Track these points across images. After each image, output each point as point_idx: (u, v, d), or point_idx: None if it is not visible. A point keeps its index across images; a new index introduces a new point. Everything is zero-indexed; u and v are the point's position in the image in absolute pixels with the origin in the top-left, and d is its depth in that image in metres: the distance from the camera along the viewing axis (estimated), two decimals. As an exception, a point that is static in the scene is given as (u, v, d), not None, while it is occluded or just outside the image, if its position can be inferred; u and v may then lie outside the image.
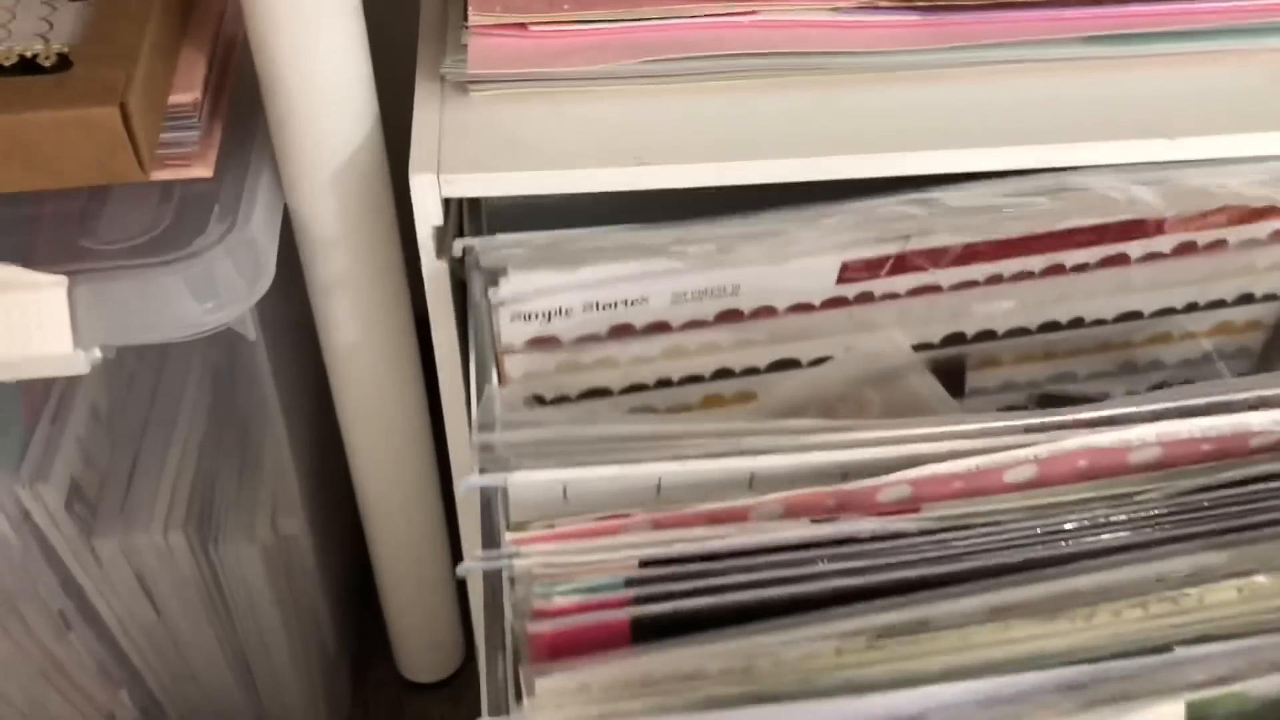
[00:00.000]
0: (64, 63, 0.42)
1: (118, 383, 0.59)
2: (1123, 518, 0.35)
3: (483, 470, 0.35)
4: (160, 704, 0.63)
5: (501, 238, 0.42)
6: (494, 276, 0.42)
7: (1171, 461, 0.37)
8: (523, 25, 0.44)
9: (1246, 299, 0.52)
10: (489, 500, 0.35)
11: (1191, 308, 0.51)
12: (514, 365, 0.45)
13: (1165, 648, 0.31)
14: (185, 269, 0.43)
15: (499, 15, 0.44)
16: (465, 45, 0.44)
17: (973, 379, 0.52)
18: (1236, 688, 0.30)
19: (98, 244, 0.43)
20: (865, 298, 0.46)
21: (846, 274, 0.45)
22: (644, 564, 0.33)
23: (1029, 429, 0.36)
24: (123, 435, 0.58)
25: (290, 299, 0.52)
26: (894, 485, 0.35)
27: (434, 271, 0.45)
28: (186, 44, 0.47)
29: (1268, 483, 0.36)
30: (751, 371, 0.48)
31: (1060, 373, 0.53)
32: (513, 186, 0.43)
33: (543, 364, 0.45)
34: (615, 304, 0.44)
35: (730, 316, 0.46)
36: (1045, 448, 0.35)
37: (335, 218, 0.47)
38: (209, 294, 0.43)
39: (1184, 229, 0.47)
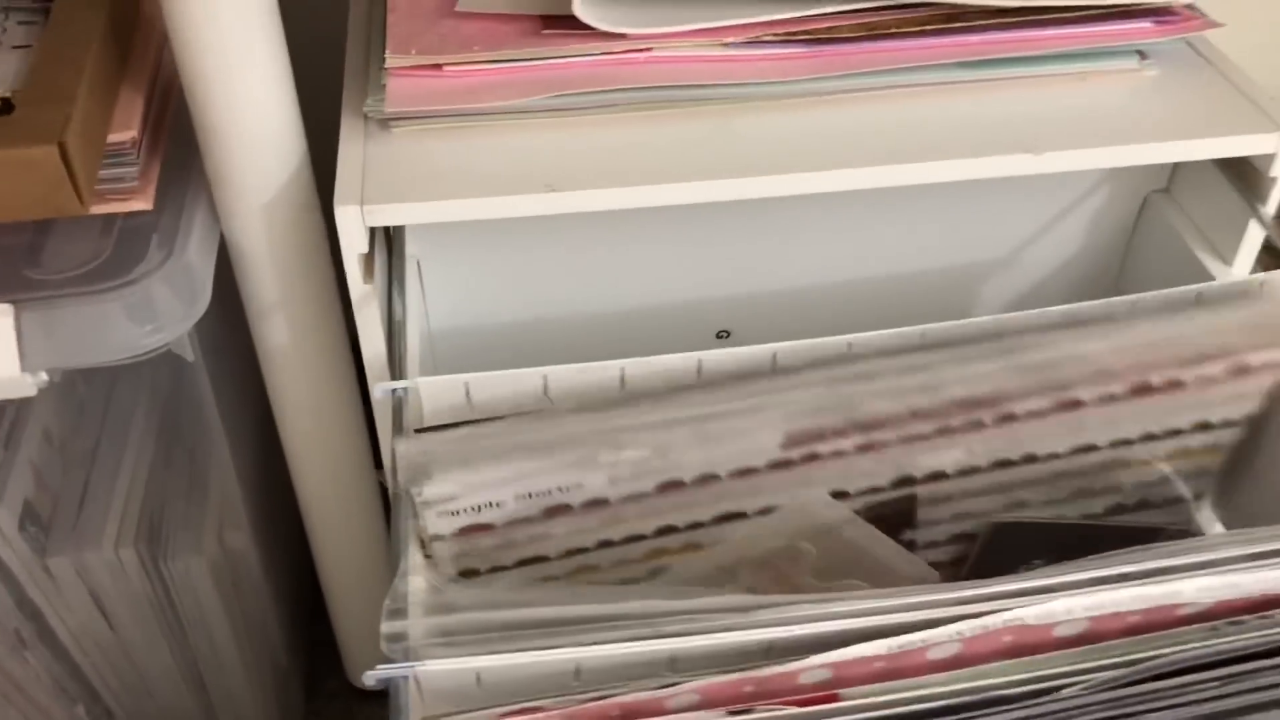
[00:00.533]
0: (7, 107, 0.45)
1: (69, 409, 0.61)
2: (1044, 714, 0.33)
3: (390, 660, 0.34)
4: (116, 719, 0.66)
5: (427, 436, 0.41)
6: (417, 476, 0.41)
7: (1098, 635, 0.35)
8: (437, 66, 0.47)
9: (1204, 427, 0.51)
10: (398, 690, 0.34)
11: (1149, 438, 0.50)
12: (443, 549, 0.44)
13: None
14: (125, 295, 0.45)
15: (414, 57, 0.47)
16: (385, 85, 0.48)
17: (924, 512, 0.51)
18: None
19: (42, 274, 0.46)
20: (811, 458, 0.45)
21: (791, 442, 0.45)
22: None
23: (955, 601, 0.35)
24: (75, 458, 0.60)
25: (231, 324, 0.55)
26: (813, 669, 0.34)
27: (362, 295, 0.48)
28: (125, 86, 0.50)
29: (1190, 674, 0.34)
30: (696, 526, 0.47)
31: (1013, 502, 0.52)
32: (431, 215, 0.46)
33: (475, 546, 0.44)
34: (550, 490, 0.43)
35: (672, 487, 0.45)
36: (969, 625, 0.34)
37: (268, 245, 0.50)
38: (148, 318, 0.46)
39: (1138, 372, 0.47)
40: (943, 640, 0.34)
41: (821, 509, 0.47)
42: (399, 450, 0.40)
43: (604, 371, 0.43)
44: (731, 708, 0.33)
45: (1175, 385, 0.47)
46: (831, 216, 0.57)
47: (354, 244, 0.46)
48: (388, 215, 0.46)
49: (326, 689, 0.73)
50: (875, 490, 0.48)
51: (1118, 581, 0.35)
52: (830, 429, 0.44)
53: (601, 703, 0.33)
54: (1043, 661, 0.34)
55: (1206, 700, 0.33)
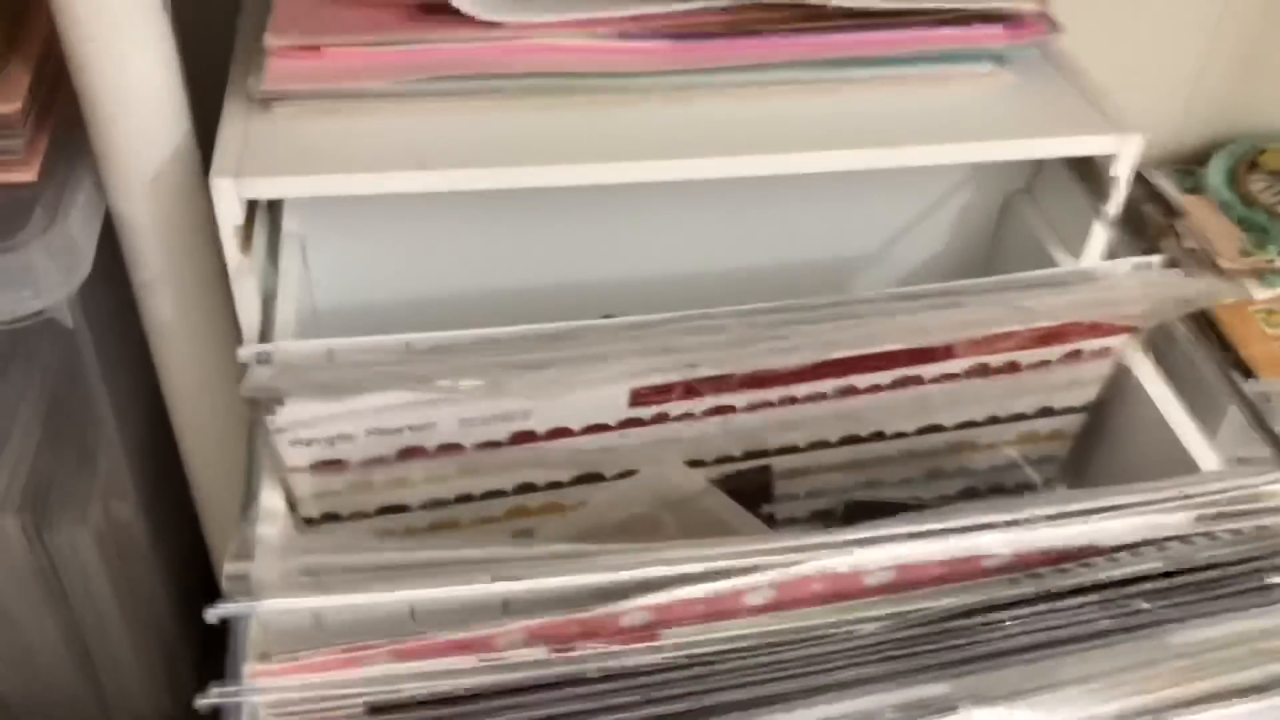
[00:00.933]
0: (-116, 76, 0.46)
1: (-42, 385, 0.62)
2: (847, 650, 0.36)
3: (231, 598, 0.36)
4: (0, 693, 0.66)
5: (279, 357, 0.43)
6: (270, 405, 0.43)
7: (905, 584, 0.38)
8: (316, 47, 0.49)
9: (1047, 412, 0.53)
10: (239, 628, 0.36)
11: (993, 420, 0.53)
12: (302, 484, 0.45)
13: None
14: (3, 261, 0.47)
15: (295, 38, 0.49)
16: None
17: (781, 486, 0.52)
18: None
19: (-81, 240, 0.47)
20: (661, 418, 0.47)
21: (639, 398, 0.46)
22: (372, 710, 0.34)
23: (772, 551, 0.37)
24: (-40, 434, 0.61)
25: (120, 298, 0.56)
26: (636, 611, 0.36)
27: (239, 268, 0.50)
28: (13, 60, 0.51)
29: (986, 614, 0.37)
30: (555, 485, 0.49)
31: (868, 480, 0.54)
32: (304, 189, 0.48)
33: (332, 484, 0.45)
34: (401, 429, 0.44)
35: (525, 438, 0.46)
36: (781, 573, 0.36)
37: (151, 219, 0.52)
38: (26, 283, 0.47)
39: (975, 353, 0.49)
40: (758, 586, 0.36)
41: (678, 478, 0.49)
42: (253, 377, 0.42)
43: (468, 338, 0.45)
44: (555, 645, 0.35)
45: (1012, 367, 0.50)
46: (714, 206, 0.60)
47: (229, 215, 0.48)
48: (262, 188, 0.48)
49: (219, 668, 0.73)
50: (729, 459, 0.50)
51: (926, 536, 0.37)
52: (676, 388, 0.46)
53: (432, 640, 0.35)
54: (852, 607, 0.37)
55: (998, 638, 0.35)
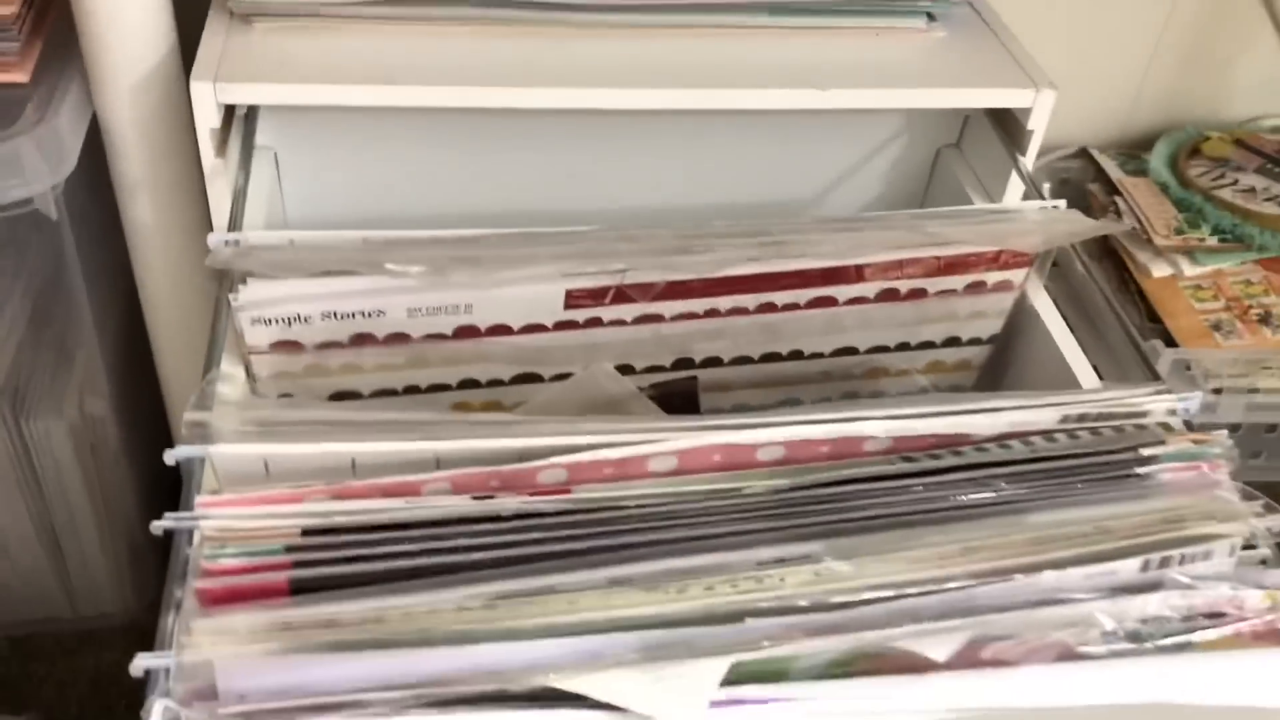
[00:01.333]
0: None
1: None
2: (736, 508, 0.39)
3: (189, 443, 0.39)
4: (-28, 576, 0.70)
5: (245, 244, 0.46)
6: (234, 284, 0.46)
7: (794, 459, 0.41)
8: (293, -34, 0.53)
9: (953, 342, 0.57)
10: (193, 469, 0.39)
11: (903, 347, 0.56)
12: (261, 365, 0.48)
13: (739, 618, 0.36)
14: (-7, 149, 0.51)
15: (274, -44, 0.53)
16: (246, -20, 0.54)
17: (706, 400, 0.56)
18: (783, 651, 0.35)
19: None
20: (594, 322, 0.51)
21: (573, 301, 0.50)
22: (306, 533, 0.37)
23: (678, 429, 0.40)
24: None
25: (103, 205, 0.60)
26: (551, 468, 0.39)
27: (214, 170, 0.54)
28: (11, -33, 0.55)
29: (856, 485, 0.40)
30: (496, 383, 0.52)
31: (788, 399, 0.57)
32: (276, 96, 0.52)
33: (289, 365, 0.49)
34: (353, 314, 0.48)
35: (467, 332, 0.49)
36: (684, 441, 0.40)
37: (134, 124, 0.56)
38: (14, 173, 0.51)
39: (884, 277, 0.52)
40: (661, 452, 0.40)
41: (609, 382, 0.53)
42: (218, 253, 0.46)
43: (420, 237, 0.49)
44: (476, 494, 0.39)
45: (919, 294, 0.54)
46: (663, 147, 0.64)
47: (207, 118, 0.52)
48: (238, 94, 0.52)
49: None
50: (659, 369, 0.54)
51: (812, 423, 0.42)
52: (607, 291, 0.50)
53: (365, 483, 0.39)
54: (744, 475, 0.41)
55: (869, 506, 0.40)
